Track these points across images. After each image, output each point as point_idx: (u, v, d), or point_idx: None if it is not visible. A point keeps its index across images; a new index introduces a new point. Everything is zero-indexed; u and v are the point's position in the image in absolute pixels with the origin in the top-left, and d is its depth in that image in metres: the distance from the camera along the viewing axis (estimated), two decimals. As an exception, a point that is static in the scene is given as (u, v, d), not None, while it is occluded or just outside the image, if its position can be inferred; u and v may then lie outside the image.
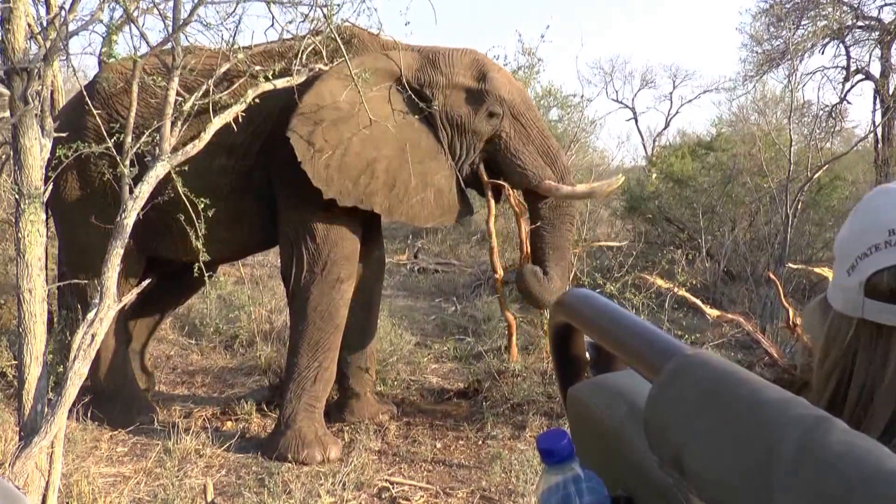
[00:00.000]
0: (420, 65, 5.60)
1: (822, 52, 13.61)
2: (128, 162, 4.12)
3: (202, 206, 4.74)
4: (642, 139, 24.31)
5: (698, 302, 6.95)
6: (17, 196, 4.40)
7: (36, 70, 4.14)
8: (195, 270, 4.93)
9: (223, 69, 4.63)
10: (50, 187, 4.28)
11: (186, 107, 4.41)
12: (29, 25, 4.29)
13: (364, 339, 6.11)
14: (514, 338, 6.37)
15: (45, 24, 4.42)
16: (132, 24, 4.40)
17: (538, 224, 5.72)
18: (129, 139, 4.17)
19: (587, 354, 1.17)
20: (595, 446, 1.04)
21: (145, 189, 4.17)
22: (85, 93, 5.07)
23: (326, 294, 5.48)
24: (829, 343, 0.99)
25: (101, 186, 5.51)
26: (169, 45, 4.33)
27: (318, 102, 5.26)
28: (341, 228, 5.54)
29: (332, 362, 5.55)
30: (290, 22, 4.89)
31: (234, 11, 4.71)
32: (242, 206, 5.60)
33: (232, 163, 5.51)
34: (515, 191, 5.78)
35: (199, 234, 4.72)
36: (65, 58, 5.85)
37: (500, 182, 5.68)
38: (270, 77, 4.78)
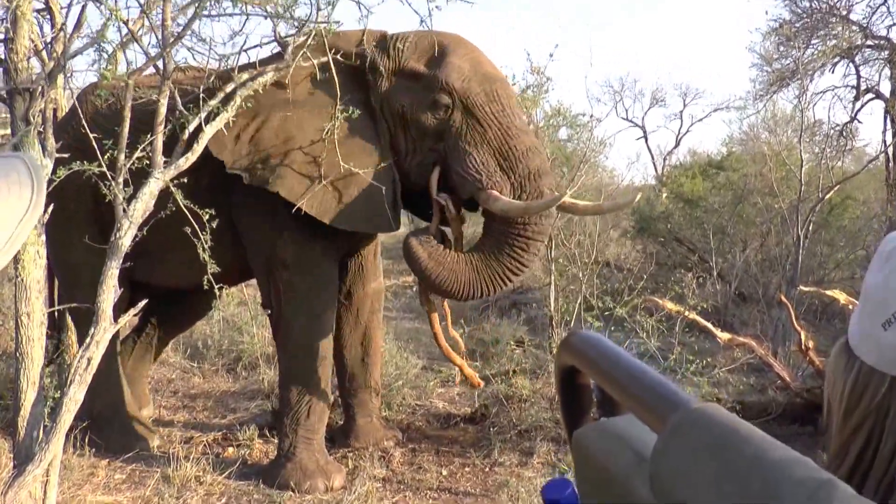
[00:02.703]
0: (369, 46, 4.93)
1: (833, 72, 13.53)
2: (121, 180, 4.03)
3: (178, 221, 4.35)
4: (652, 158, 24.27)
5: (709, 325, 6.84)
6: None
7: (39, 90, 4.08)
8: (205, 284, 4.47)
9: (230, 88, 4.51)
10: (51, 208, 4.22)
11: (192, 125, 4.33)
12: (33, 42, 4.24)
13: (366, 370, 5.88)
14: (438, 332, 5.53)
15: (49, 40, 4.37)
16: (135, 42, 4.33)
17: (486, 245, 4.88)
18: (122, 157, 4.08)
19: (594, 395, 1.13)
20: (600, 494, 1.02)
21: (140, 207, 4.08)
22: (78, 108, 4.94)
23: (307, 327, 5.14)
24: (855, 397, 0.93)
25: (89, 204, 5.28)
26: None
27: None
28: (314, 256, 5.11)
29: (324, 392, 5.31)
30: (290, 35, 4.79)
31: (240, 30, 4.66)
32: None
33: (192, 181, 4.64)
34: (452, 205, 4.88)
35: (206, 247, 4.35)
36: (69, 75, 5.82)
37: (439, 198, 4.88)
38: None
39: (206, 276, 4.45)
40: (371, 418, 5.92)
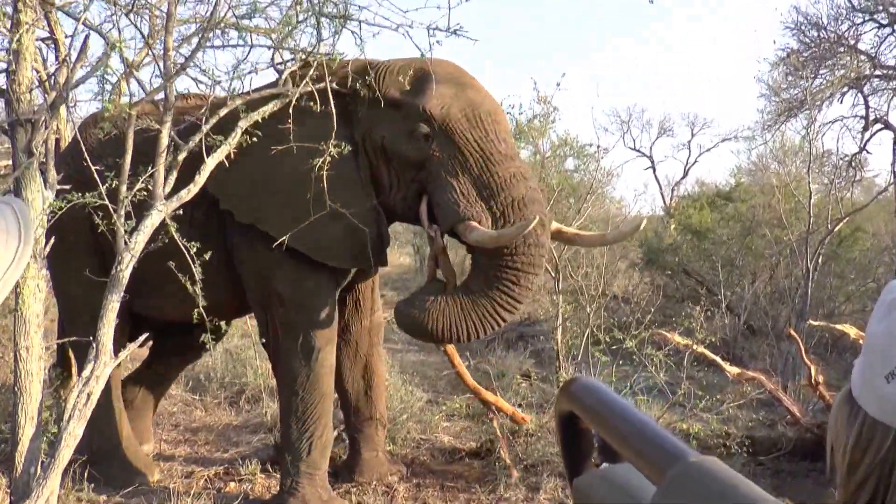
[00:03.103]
0: (351, 76, 4.70)
1: (841, 102, 13.51)
2: (123, 212, 3.99)
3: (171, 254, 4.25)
4: (660, 189, 24.16)
5: (718, 359, 6.77)
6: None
7: (42, 121, 4.06)
8: (195, 317, 4.41)
9: (224, 111, 4.44)
10: (52, 241, 4.19)
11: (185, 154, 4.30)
12: (37, 71, 4.24)
13: (370, 403, 5.77)
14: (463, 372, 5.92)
15: (52, 70, 4.37)
16: (137, 73, 4.32)
17: (473, 282, 4.69)
18: (123, 188, 4.05)
19: (595, 440, 1.14)
20: None
21: (141, 240, 4.05)
22: (80, 138, 4.89)
23: (306, 364, 5.00)
24: (860, 449, 0.90)
25: (88, 235, 5.15)
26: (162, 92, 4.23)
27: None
28: (311, 291, 4.97)
29: (326, 428, 5.19)
30: (290, 60, 4.76)
31: (245, 58, 4.62)
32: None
33: (188, 213, 4.63)
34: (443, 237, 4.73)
35: (196, 280, 4.25)
36: (73, 105, 5.82)
37: (430, 230, 4.72)
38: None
39: (197, 310, 4.38)
40: (376, 453, 5.83)
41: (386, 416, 6.04)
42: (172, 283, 4.50)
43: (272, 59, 4.72)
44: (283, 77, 4.71)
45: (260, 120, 4.50)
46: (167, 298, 5.20)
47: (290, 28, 4.55)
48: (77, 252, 5.35)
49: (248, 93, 4.62)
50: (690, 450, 0.83)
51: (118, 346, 4.11)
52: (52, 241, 4.21)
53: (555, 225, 4.96)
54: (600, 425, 1.02)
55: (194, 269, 4.27)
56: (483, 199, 4.56)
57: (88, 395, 3.94)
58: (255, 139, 4.45)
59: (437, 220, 4.67)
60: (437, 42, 4.40)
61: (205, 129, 4.29)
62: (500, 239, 4.46)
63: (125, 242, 4.03)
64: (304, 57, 4.70)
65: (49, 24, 4.80)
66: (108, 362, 4.01)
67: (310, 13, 4.51)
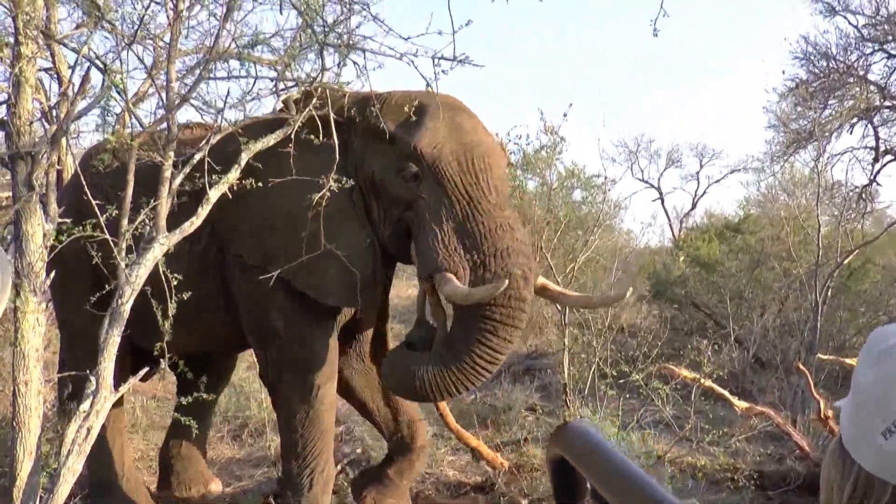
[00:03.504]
0: (348, 107, 4.57)
1: (851, 133, 13.48)
2: (124, 245, 3.96)
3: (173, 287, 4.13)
4: (669, 220, 24.08)
5: (726, 393, 6.72)
6: (16, 283, 4.29)
7: (42, 154, 4.07)
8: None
9: (216, 139, 4.30)
10: (52, 273, 4.18)
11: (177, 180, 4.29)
12: (40, 102, 4.25)
13: (400, 427, 5.48)
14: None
15: (52, 104, 4.37)
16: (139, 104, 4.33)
17: (453, 337, 4.49)
18: (124, 221, 4.01)
19: (588, 484, 1.15)
20: None
21: (143, 273, 4.01)
22: (80, 172, 4.85)
23: (305, 401, 4.86)
24: (856, 502, 0.89)
25: (89, 265, 4.89)
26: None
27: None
28: (308, 327, 4.83)
29: (327, 463, 5.08)
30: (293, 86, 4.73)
31: (250, 90, 4.61)
32: (202, 293, 4.63)
33: (187, 245, 4.56)
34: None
35: (169, 316, 4.12)
36: (76, 136, 5.84)
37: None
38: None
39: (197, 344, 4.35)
40: (398, 483, 5.55)
41: (425, 439, 5.68)
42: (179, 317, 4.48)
43: (275, 87, 4.68)
44: (279, 102, 4.65)
45: (262, 158, 4.40)
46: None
47: (294, 57, 4.52)
48: (78, 283, 5.28)
49: (248, 119, 4.56)
50: (676, 499, 0.84)
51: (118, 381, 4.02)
52: (54, 272, 4.19)
53: (541, 280, 4.77)
54: (589, 472, 1.03)
55: (170, 304, 4.14)
56: (465, 248, 4.34)
57: (88, 430, 3.91)
58: (259, 182, 4.34)
59: (417, 266, 4.52)
60: (443, 72, 4.26)
61: (198, 155, 4.20)
62: (470, 297, 4.25)
63: (126, 276, 4.01)
64: (307, 87, 4.63)
65: (52, 56, 4.82)
66: (109, 397, 3.98)
67: (313, 43, 4.47)
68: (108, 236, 3.94)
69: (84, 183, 4.22)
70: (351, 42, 4.46)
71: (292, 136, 4.41)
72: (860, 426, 0.88)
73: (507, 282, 4.16)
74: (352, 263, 4.53)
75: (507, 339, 4.43)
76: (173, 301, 4.14)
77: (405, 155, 4.45)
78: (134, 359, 5.22)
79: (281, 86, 4.69)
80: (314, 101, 4.54)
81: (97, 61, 4.11)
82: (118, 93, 4.11)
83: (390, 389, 4.83)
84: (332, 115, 4.52)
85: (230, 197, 4.37)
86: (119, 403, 5.46)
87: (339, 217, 4.54)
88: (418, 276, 4.59)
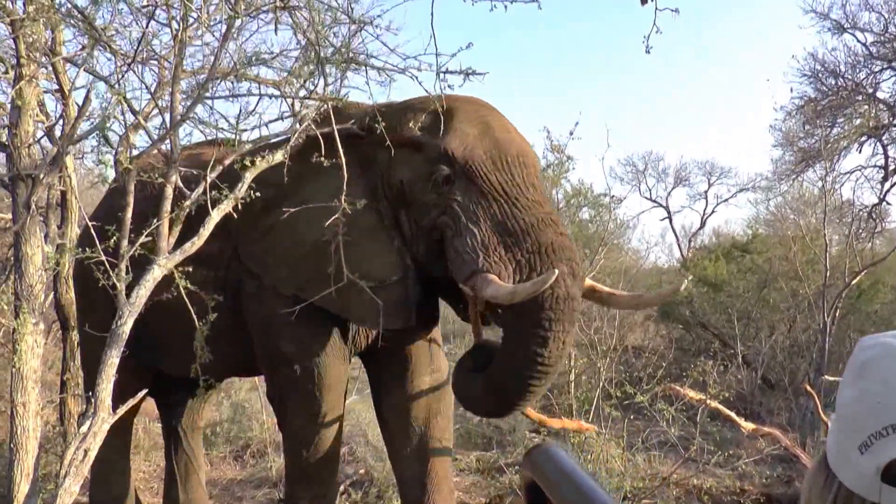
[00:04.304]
0: (370, 117, 4.31)
1: (860, 151, 13.43)
2: (123, 266, 3.93)
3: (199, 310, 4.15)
4: (677, 239, 23.99)
5: (732, 415, 6.64)
6: (16, 304, 4.29)
7: (42, 176, 4.07)
8: (192, 372, 4.30)
9: (228, 161, 4.23)
10: (51, 296, 4.17)
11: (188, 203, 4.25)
12: (43, 122, 4.25)
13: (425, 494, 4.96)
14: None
15: (52, 125, 4.38)
16: (141, 128, 4.31)
17: (502, 350, 4.11)
18: (125, 242, 3.97)
19: None
20: None
21: (143, 294, 3.98)
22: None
23: (309, 427, 4.72)
24: None
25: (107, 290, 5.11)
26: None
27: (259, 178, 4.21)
28: (318, 351, 4.62)
29: (330, 487, 4.98)
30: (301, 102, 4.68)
31: (253, 110, 4.59)
32: (222, 319, 4.44)
33: (212, 273, 4.60)
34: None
35: (203, 335, 4.17)
36: (80, 157, 5.85)
37: (465, 286, 4.12)
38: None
39: (196, 365, 4.32)
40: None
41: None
42: (180, 340, 4.46)
43: (280, 111, 4.62)
44: (296, 124, 4.57)
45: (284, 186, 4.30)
46: (179, 353, 5.09)
47: (303, 77, 4.49)
48: (97, 306, 5.18)
49: (262, 140, 4.50)
50: None
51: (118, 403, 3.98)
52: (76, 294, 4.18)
53: (588, 282, 4.36)
54: (554, 496, 1.03)
55: (200, 326, 4.21)
56: (506, 246, 3.99)
57: (85, 452, 3.88)
58: (281, 191, 4.28)
59: (453, 272, 4.13)
60: (449, 86, 4.13)
61: (210, 177, 4.12)
62: (516, 295, 3.82)
63: (125, 297, 3.99)
64: (317, 104, 4.51)
65: (56, 76, 4.84)
66: (107, 418, 3.95)
67: (315, 60, 4.42)
68: (102, 257, 3.86)
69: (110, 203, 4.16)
70: (351, 57, 4.37)
71: (316, 159, 4.18)
72: (841, 442, 0.88)
73: (556, 272, 3.77)
74: (377, 292, 4.25)
75: (558, 346, 4.01)
76: (205, 324, 4.15)
77: (434, 158, 4.19)
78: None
79: (286, 107, 4.65)
80: (333, 117, 4.31)
81: (101, 82, 4.11)
82: (128, 109, 4.09)
83: (462, 404, 4.50)
84: (347, 129, 4.34)
85: (255, 226, 4.40)
86: (126, 428, 5.46)
87: (365, 240, 4.34)
88: (458, 284, 4.17)
